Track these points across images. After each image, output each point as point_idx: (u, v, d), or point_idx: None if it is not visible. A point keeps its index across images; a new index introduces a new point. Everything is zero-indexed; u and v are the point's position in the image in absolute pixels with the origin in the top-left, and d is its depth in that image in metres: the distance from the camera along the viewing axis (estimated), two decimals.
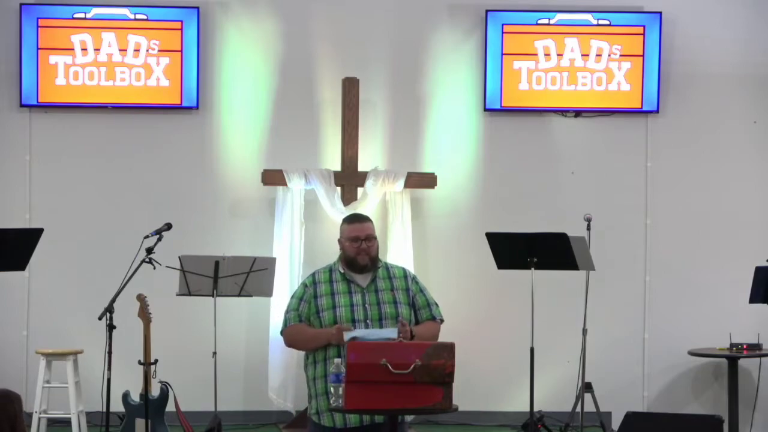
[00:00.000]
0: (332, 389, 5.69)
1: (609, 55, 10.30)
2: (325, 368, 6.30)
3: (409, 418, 6.51)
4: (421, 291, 6.55)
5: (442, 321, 6.62)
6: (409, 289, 6.48)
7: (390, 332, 6.24)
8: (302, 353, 9.75)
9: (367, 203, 9.85)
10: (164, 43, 10.07)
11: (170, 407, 8.28)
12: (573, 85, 10.32)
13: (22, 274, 9.50)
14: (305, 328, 6.40)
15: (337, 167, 9.96)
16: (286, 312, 6.49)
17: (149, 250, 7.19)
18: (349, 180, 9.91)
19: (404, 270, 6.62)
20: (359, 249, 6.42)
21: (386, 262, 6.63)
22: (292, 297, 6.53)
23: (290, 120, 10.24)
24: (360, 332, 6.24)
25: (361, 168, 9.93)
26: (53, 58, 9.98)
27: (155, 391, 8.18)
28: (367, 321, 6.32)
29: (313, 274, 6.54)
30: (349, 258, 6.43)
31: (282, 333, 6.55)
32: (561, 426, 9.35)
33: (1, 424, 6.71)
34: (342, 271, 6.43)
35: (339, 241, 6.53)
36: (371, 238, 6.47)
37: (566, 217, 9.76)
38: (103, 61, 10.03)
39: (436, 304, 6.59)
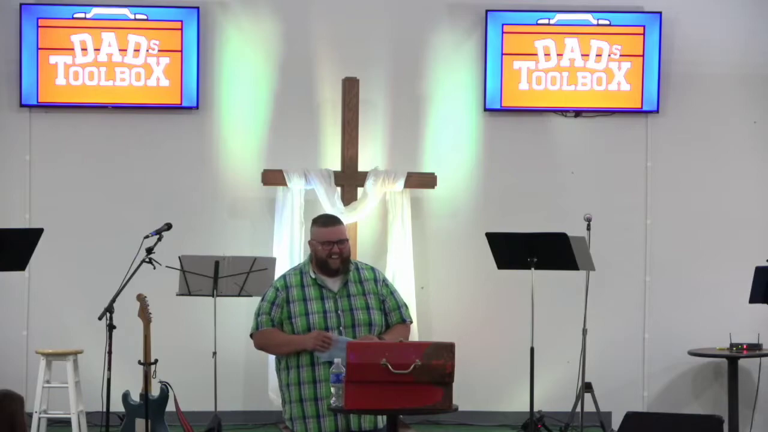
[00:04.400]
0: (332, 389, 5.68)
1: (609, 55, 10.30)
2: (298, 374, 6.26)
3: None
4: (391, 293, 6.49)
5: (411, 322, 6.59)
6: (379, 293, 6.43)
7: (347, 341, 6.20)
8: None
9: (367, 203, 9.85)
10: (164, 43, 10.07)
11: (170, 407, 8.27)
12: (573, 85, 10.32)
13: (22, 274, 9.50)
14: (277, 332, 6.35)
15: (337, 167, 9.96)
16: (258, 315, 6.43)
17: (149, 250, 7.18)
18: (349, 180, 9.91)
19: (374, 271, 6.56)
20: (331, 252, 6.37)
21: (357, 263, 6.56)
22: (263, 300, 6.45)
23: (290, 120, 10.24)
24: (340, 338, 6.19)
25: (361, 168, 9.93)
26: (53, 58, 9.98)
27: (155, 391, 8.17)
28: (341, 328, 6.29)
29: (284, 277, 6.46)
30: (320, 261, 6.39)
31: (252, 335, 6.51)
32: (561, 426, 9.35)
33: (1, 423, 6.69)
34: (313, 275, 6.38)
35: (310, 242, 6.46)
36: (343, 241, 6.42)
37: (566, 217, 9.77)
38: (103, 61, 10.03)
39: (406, 306, 6.54)
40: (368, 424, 6.19)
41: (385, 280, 6.53)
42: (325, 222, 6.50)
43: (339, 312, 6.30)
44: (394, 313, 6.45)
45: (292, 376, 6.28)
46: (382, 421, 6.21)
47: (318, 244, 6.38)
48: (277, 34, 10.28)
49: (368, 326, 6.30)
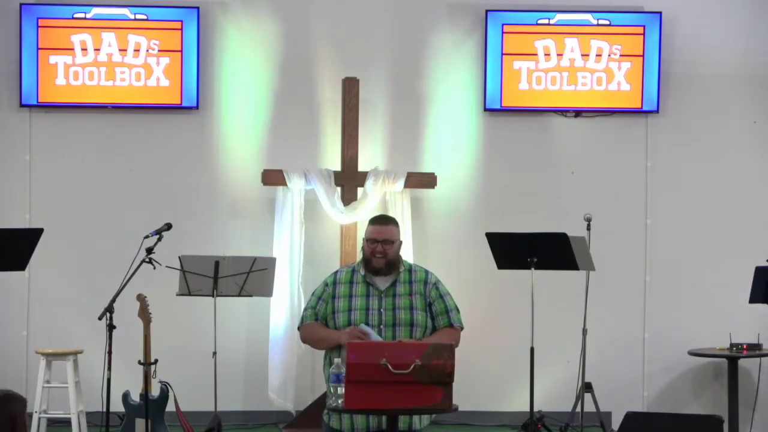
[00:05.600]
0: (332, 389, 5.69)
1: (609, 55, 10.30)
2: None
3: (425, 423, 6.47)
4: (440, 297, 6.46)
5: (461, 328, 6.54)
6: (426, 295, 6.42)
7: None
8: (303, 353, 9.78)
9: (367, 203, 9.85)
10: (164, 43, 10.07)
11: (170, 407, 8.28)
12: (573, 85, 10.32)
13: (22, 274, 9.50)
14: (318, 327, 6.39)
15: (337, 167, 9.96)
16: (305, 309, 6.53)
17: (149, 250, 7.19)
18: (349, 180, 9.91)
19: (426, 274, 6.55)
20: (374, 251, 6.40)
21: (411, 264, 6.58)
22: (312, 294, 6.54)
23: (290, 120, 10.24)
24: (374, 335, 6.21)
25: (361, 168, 9.93)
26: (53, 58, 9.98)
27: (155, 391, 8.17)
28: (381, 326, 6.29)
29: (335, 273, 6.53)
30: (365, 258, 6.43)
31: (299, 328, 6.58)
32: (561, 426, 9.35)
33: (1, 423, 6.70)
34: (363, 273, 6.41)
35: (363, 240, 6.54)
36: (389, 242, 6.41)
37: (566, 217, 9.76)
38: (103, 61, 10.03)
39: (457, 310, 6.50)
40: (402, 424, 6.16)
41: (437, 284, 6.50)
42: (376, 220, 6.55)
43: (381, 310, 6.31)
44: (441, 317, 6.43)
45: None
46: (420, 421, 6.21)
47: (366, 241, 6.42)
48: (277, 34, 10.27)
49: (409, 326, 6.30)
